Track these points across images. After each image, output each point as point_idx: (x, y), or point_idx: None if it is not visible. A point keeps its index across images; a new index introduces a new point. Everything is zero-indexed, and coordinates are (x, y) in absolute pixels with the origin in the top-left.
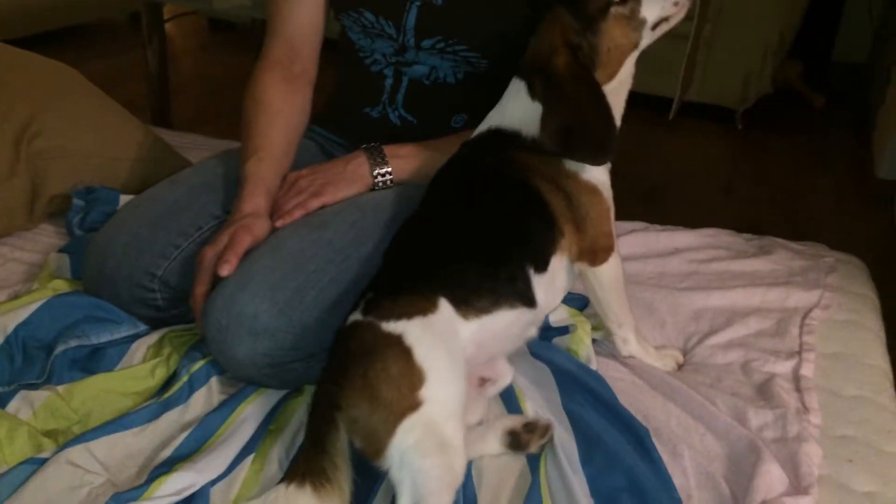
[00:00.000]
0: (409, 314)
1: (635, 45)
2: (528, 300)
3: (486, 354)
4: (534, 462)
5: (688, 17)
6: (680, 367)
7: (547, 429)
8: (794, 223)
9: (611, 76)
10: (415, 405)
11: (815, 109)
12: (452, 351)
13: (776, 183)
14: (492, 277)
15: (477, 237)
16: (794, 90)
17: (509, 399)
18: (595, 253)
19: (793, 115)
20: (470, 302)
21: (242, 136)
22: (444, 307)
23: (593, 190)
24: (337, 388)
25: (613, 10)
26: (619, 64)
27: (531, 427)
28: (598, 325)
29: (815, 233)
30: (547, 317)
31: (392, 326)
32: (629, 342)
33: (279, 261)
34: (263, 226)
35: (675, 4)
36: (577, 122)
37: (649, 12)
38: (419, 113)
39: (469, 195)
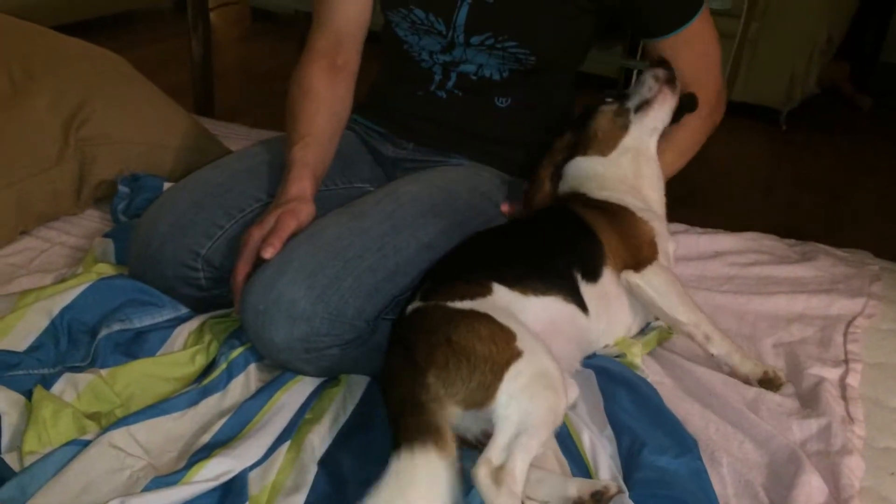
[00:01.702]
0: (470, 296)
1: (625, 127)
2: (580, 302)
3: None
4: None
5: (734, 16)
6: (773, 384)
7: (612, 496)
8: (836, 227)
9: (605, 151)
10: (516, 354)
11: (860, 111)
12: (523, 322)
13: (819, 185)
14: (540, 270)
15: (526, 243)
16: (840, 91)
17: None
18: (637, 262)
19: (838, 116)
20: (523, 282)
21: (288, 123)
22: (499, 290)
23: (621, 209)
24: (418, 365)
25: (602, 107)
26: (613, 141)
27: (598, 497)
28: (648, 342)
29: (858, 237)
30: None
31: (458, 304)
32: (712, 339)
33: (317, 248)
34: (308, 210)
35: (650, 90)
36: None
37: (631, 102)
38: (466, 91)
39: (523, 221)
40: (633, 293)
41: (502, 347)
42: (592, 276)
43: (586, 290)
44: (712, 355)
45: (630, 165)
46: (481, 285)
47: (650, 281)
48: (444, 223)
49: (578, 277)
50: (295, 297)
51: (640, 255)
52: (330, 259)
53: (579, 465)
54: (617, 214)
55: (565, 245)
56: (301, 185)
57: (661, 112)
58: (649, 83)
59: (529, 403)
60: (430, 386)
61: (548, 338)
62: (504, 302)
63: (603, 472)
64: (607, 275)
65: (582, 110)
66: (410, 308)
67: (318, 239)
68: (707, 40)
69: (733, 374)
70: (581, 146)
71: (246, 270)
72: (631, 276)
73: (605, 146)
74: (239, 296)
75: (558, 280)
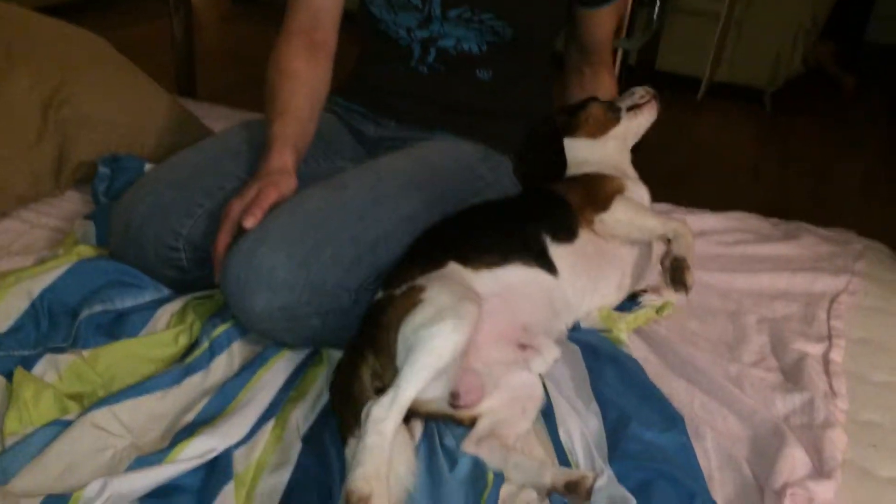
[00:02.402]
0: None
1: (616, 121)
2: (547, 264)
3: (514, 313)
4: (562, 457)
5: None
6: (681, 269)
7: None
8: (821, 207)
9: (593, 135)
10: (415, 303)
11: (845, 91)
12: (459, 285)
13: (804, 166)
14: (501, 243)
15: (494, 219)
16: (824, 71)
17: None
18: (604, 201)
19: (823, 96)
20: (479, 258)
21: (267, 102)
22: (452, 265)
23: (593, 174)
24: (363, 356)
25: (594, 103)
26: (602, 128)
27: (571, 487)
28: (636, 319)
29: (843, 217)
30: (579, 324)
31: (403, 288)
32: (676, 231)
33: (298, 218)
34: (290, 182)
35: (641, 97)
36: (531, 162)
37: (623, 103)
38: (447, 65)
39: (496, 200)
40: (612, 232)
41: (406, 306)
42: (566, 236)
43: (559, 251)
44: (669, 241)
45: (615, 151)
46: (437, 264)
47: (619, 207)
48: (425, 196)
49: (548, 241)
50: (274, 266)
51: (604, 195)
52: (310, 229)
53: (557, 447)
54: (587, 177)
55: (534, 215)
56: (282, 158)
57: (646, 117)
58: (641, 92)
59: (415, 334)
60: (368, 371)
61: (508, 302)
62: (452, 272)
63: (580, 456)
64: (584, 234)
65: (574, 103)
66: (374, 299)
67: (298, 209)
68: (620, 11)
69: (667, 250)
70: (570, 129)
71: (227, 241)
72: (602, 216)
73: (596, 130)
74: (220, 267)
75: (521, 249)
